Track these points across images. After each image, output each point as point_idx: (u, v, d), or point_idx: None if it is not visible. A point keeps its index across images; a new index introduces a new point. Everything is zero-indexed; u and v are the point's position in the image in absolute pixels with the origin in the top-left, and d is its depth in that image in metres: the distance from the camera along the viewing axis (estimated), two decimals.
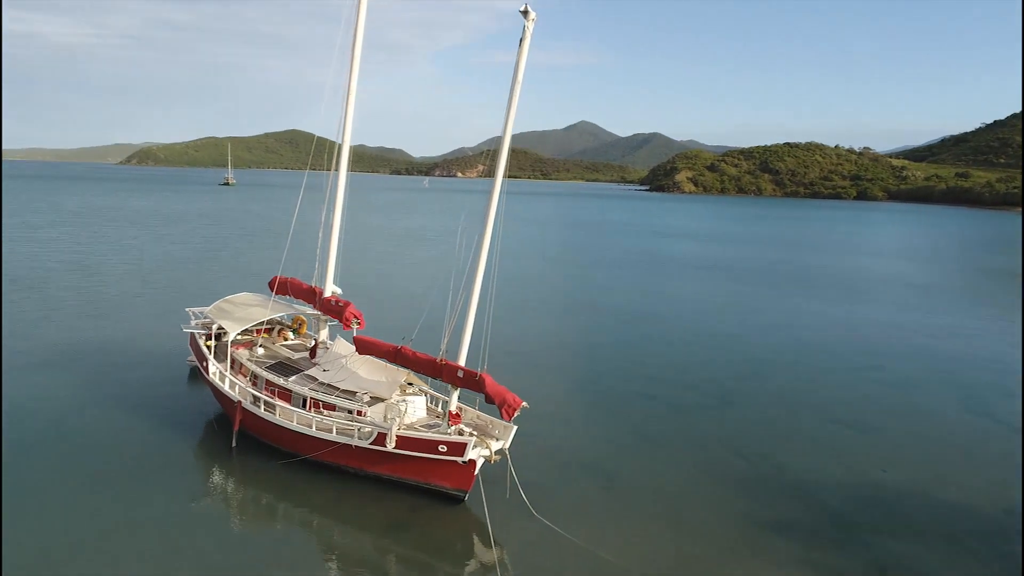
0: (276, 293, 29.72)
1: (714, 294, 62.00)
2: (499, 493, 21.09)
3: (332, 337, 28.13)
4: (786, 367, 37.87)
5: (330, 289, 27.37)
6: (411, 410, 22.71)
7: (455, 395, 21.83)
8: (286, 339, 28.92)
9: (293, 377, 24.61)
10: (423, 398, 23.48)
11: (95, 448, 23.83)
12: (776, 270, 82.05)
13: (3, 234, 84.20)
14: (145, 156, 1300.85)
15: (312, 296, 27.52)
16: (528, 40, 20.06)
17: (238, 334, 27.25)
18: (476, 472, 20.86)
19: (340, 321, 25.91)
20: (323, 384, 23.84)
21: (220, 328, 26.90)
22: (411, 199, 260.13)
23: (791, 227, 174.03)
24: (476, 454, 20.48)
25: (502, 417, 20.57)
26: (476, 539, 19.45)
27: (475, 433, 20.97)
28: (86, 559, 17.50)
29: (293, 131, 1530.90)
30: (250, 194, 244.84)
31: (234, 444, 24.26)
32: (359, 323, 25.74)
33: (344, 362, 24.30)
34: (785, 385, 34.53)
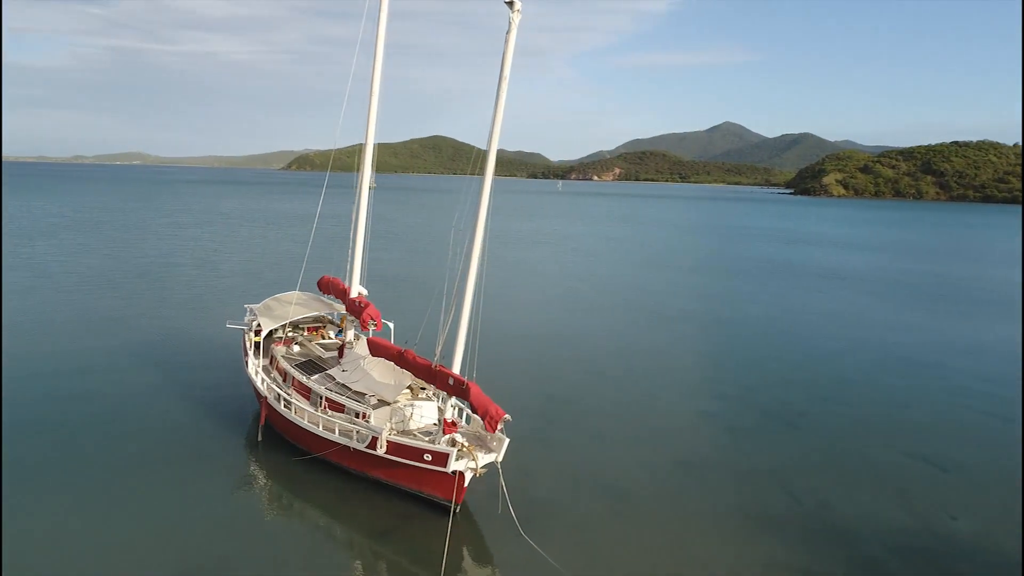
0: (323, 292, 30.36)
1: (823, 305, 56.79)
2: (494, 507, 20.09)
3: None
4: (879, 391, 33.70)
5: (356, 290, 27.50)
6: (418, 415, 22.15)
7: (450, 403, 21.03)
8: (324, 337, 29.39)
9: (315, 376, 24.85)
10: (435, 403, 22.86)
11: (139, 431, 25.24)
12: (915, 282, 74.12)
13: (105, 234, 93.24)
14: (303, 162, 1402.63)
15: (345, 296, 27.81)
16: (514, 32, 18.94)
17: (276, 330, 28.04)
18: (466, 484, 19.95)
19: (359, 321, 25.91)
20: (338, 384, 23.86)
21: (258, 325, 27.76)
22: (539, 202, 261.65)
23: (952, 234, 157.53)
24: (463, 466, 19.56)
25: (485, 428, 19.55)
26: (454, 553, 18.51)
27: (465, 444, 20.03)
28: (74, 535, 18.45)
29: (436, 137, 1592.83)
30: (387, 197, 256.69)
31: (259, 438, 24.85)
32: (375, 325, 25.57)
33: (361, 363, 24.21)
34: (871, 412, 30.66)
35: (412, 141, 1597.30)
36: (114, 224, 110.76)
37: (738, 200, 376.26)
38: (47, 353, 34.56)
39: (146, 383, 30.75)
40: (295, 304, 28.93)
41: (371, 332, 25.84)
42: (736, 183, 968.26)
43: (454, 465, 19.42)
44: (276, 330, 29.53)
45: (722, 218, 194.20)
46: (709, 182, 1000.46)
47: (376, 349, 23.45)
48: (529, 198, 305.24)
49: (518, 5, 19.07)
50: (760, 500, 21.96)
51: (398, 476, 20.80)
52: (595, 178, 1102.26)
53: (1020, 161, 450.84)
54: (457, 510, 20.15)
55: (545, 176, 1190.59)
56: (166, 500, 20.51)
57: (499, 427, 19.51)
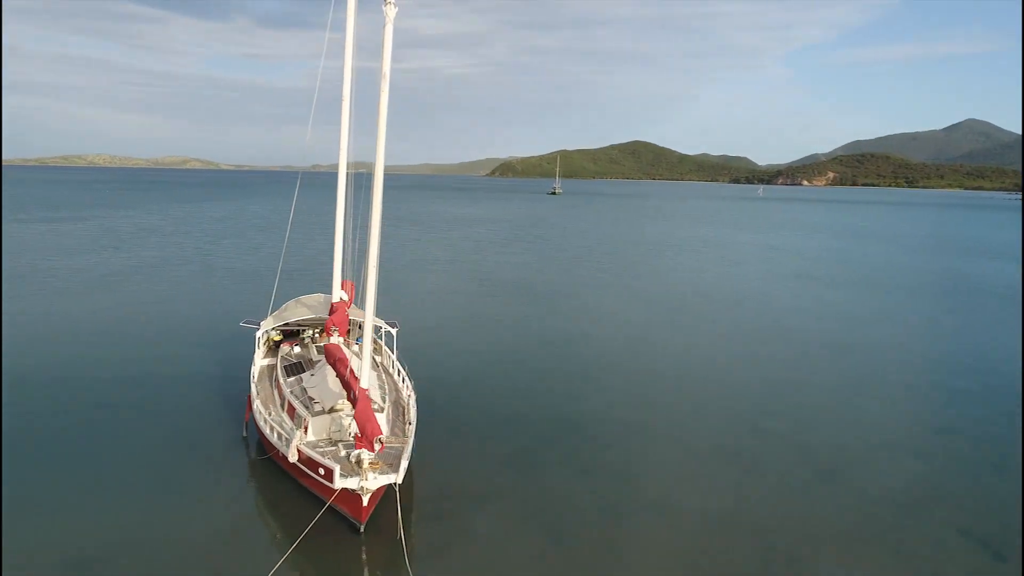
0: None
1: (989, 332, 47.06)
2: (409, 532, 18.91)
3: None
4: (987, 444, 27.00)
5: (337, 295, 27.37)
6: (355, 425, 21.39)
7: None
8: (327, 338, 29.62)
9: (292, 378, 25.02)
10: (383, 415, 21.95)
11: (143, 418, 27.11)
12: None
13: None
14: (506, 169, 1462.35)
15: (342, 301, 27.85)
16: (390, 28, 17.59)
17: (305, 330, 28.96)
18: (364, 503, 18.81)
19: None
20: (301, 388, 23.80)
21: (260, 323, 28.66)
22: (725, 208, 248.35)
23: None
24: (355, 484, 18.43)
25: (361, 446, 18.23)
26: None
27: (368, 461, 18.85)
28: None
29: (635, 142, 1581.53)
30: (568, 202, 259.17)
31: (244, 434, 25.52)
32: (337, 331, 25.16)
33: (326, 368, 23.95)
34: (954, 471, 24.57)
35: (611, 147, 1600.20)
36: (297, 224, 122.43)
37: (965, 207, 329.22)
38: (116, 341, 38.74)
39: (184, 373, 33.11)
40: (306, 307, 29.52)
41: (333, 339, 25.52)
42: (976, 188, 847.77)
43: (340, 482, 18.38)
44: (305, 329, 30.39)
45: (927, 226, 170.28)
46: (942, 187, 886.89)
47: (327, 355, 23.09)
48: (718, 204, 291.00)
49: None
50: (732, 560, 18.27)
51: (314, 486, 20.19)
52: (804, 183, 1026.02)
53: None
54: (361, 528, 19.13)
55: (749, 181, 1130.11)
56: (121, 485, 21.68)
57: (375, 447, 18.19)
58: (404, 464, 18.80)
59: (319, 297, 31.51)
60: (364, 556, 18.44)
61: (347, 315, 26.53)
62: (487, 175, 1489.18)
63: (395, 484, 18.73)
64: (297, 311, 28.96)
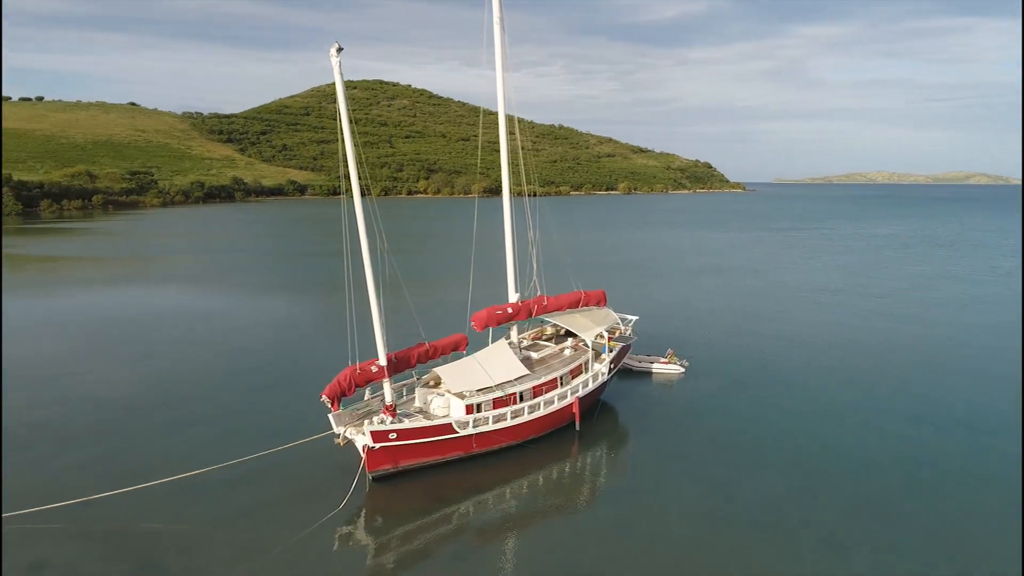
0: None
1: None
2: (372, 487, 23.59)
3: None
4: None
5: (512, 297, 31.76)
6: (439, 404, 26.64)
7: (387, 386, 25.07)
8: (549, 341, 35.14)
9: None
10: (461, 402, 26.18)
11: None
12: None
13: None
14: None
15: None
16: (338, 73, 21.72)
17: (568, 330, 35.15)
18: (362, 455, 23.45)
19: None
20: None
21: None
22: None
23: None
24: (340, 432, 23.24)
25: None
26: (303, 520, 21.68)
27: (367, 421, 23.62)
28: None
29: None
30: None
31: None
32: (475, 325, 30.44)
33: (474, 355, 28.96)
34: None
35: None
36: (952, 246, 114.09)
37: None
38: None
39: None
40: (580, 313, 34.32)
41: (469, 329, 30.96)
42: None
43: (336, 429, 23.54)
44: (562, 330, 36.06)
45: None
46: None
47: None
48: None
49: (331, 50, 21.95)
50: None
51: None
52: None
53: None
54: (358, 475, 23.48)
55: None
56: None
57: (323, 401, 23.93)
58: (366, 426, 22.82)
59: (602, 311, 35.18)
60: (320, 494, 22.38)
61: (494, 314, 30.24)
62: None
63: (364, 448, 22.82)
64: (565, 317, 33.45)
